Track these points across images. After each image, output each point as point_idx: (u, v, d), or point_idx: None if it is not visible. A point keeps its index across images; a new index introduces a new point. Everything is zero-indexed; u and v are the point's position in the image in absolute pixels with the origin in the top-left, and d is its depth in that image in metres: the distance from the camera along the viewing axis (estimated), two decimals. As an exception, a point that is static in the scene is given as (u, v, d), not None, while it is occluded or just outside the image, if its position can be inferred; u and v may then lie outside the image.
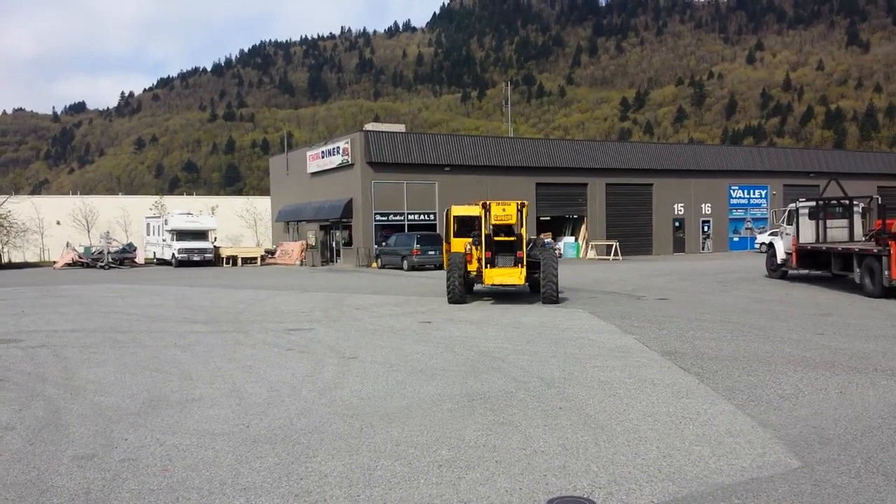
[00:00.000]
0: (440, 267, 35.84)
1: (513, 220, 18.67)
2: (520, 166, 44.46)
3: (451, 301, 17.96)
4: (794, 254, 23.10)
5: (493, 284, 18.45)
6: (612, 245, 43.14)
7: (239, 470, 5.28)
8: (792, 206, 24.53)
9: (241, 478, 5.12)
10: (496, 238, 18.64)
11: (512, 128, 64.75)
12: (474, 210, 20.30)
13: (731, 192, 51.02)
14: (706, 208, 50.26)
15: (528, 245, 19.00)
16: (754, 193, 51.85)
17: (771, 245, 26.21)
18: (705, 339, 11.37)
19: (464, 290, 18.34)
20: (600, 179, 46.77)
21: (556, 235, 47.42)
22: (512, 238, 18.68)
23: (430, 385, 8.12)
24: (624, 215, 47.38)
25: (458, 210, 21.53)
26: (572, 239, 47.24)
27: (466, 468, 5.24)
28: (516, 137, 55.41)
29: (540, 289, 18.14)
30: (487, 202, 19.03)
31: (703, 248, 49.99)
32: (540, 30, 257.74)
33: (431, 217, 42.42)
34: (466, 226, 20.71)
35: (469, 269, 18.87)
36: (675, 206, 49.21)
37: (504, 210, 18.48)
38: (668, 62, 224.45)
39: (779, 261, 24.69)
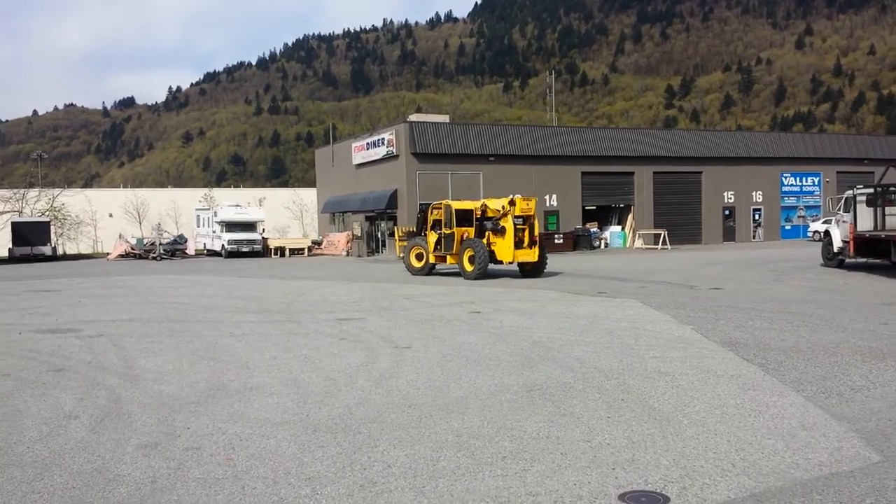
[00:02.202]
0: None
1: (532, 212, 23.73)
2: (565, 155, 44.04)
3: (479, 275, 22.63)
4: (851, 242, 22.42)
5: (517, 262, 23.45)
6: (660, 234, 42.51)
7: (302, 459, 5.26)
8: (849, 193, 23.82)
9: (304, 467, 5.09)
10: (519, 226, 23.40)
11: (555, 117, 64.14)
12: (470, 204, 25.30)
13: (783, 179, 49.84)
14: (757, 196, 49.19)
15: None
16: (807, 181, 50.56)
17: (827, 233, 25.50)
18: (765, 329, 11.06)
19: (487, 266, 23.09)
20: (647, 168, 46.07)
21: (602, 225, 46.88)
22: (525, 226, 23.44)
23: (485, 375, 8.03)
24: (672, 204, 46.62)
25: (458, 204, 25.28)
26: (619, 228, 46.65)
27: (531, 460, 5.13)
28: (561, 126, 54.89)
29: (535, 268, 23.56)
30: (514, 198, 23.68)
31: (753, 237, 48.97)
32: (583, 18, 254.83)
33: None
34: (465, 218, 24.63)
35: (492, 250, 23.51)
36: (725, 194, 48.26)
37: (527, 204, 23.63)
38: (714, 48, 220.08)
39: (835, 249, 24.01)
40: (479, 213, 24.63)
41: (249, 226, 44.18)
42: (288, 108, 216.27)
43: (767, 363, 8.42)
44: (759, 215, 49.33)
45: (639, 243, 44.28)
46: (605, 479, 4.76)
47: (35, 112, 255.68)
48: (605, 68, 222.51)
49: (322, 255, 45.31)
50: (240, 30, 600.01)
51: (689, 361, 8.57)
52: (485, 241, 23.62)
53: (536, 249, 23.42)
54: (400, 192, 41.00)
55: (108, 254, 49.03)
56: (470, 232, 24.19)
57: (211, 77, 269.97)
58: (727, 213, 48.39)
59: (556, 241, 41.03)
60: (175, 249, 43.62)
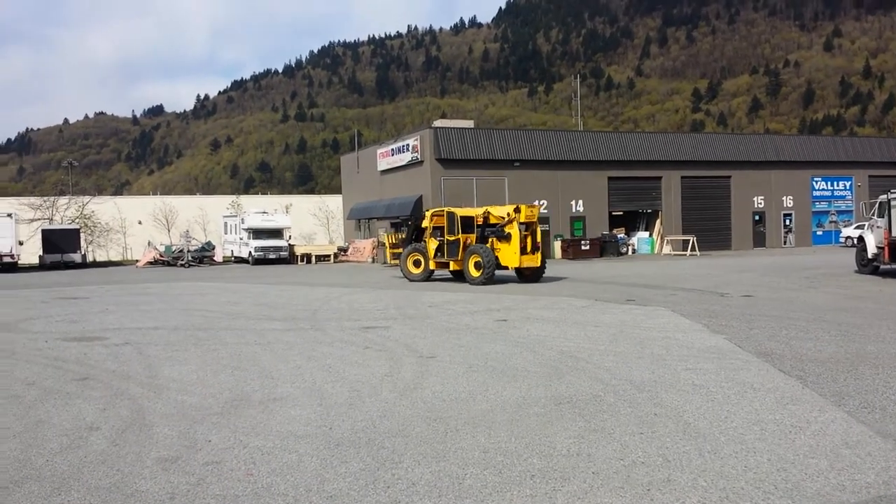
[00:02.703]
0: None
1: (535, 219, 24.64)
2: (591, 160, 43.67)
3: (486, 281, 23.24)
4: (886, 248, 21.88)
5: (522, 266, 24.07)
6: (689, 240, 41.96)
7: (324, 475, 5.11)
8: (883, 197, 23.25)
9: (326, 484, 4.94)
10: (523, 233, 24.02)
11: (581, 122, 63.72)
12: (472, 211, 25.87)
13: (814, 183, 49.04)
14: (787, 201, 48.43)
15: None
16: (838, 185, 49.69)
17: (861, 239, 24.92)
18: (801, 339, 10.74)
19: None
20: (675, 172, 45.54)
21: (630, 230, 46.42)
22: (528, 233, 24.12)
23: (512, 387, 7.84)
24: (700, 209, 46.05)
25: (461, 211, 25.85)
26: (646, 234, 46.17)
27: (562, 479, 4.94)
28: (587, 131, 54.52)
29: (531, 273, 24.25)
30: (520, 205, 24.46)
31: (784, 243, 48.20)
32: (608, 21, 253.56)
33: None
34: (467, 225, 25.08)
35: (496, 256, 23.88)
36: (755, 198, 47.58)
37: (532, 211, 24.56)
38: (741, 51, 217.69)
39: (869, 255, 23.45)
40: (480, 219, 25.06)
41: (276, 233, 44.35)
42: (314, 115, 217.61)
43: (805, 375, 8.14)
44: (790, 220, 48.57)
45: (667, 249, 43.77)
46: (640, 501, 4.55)
47: (66, 120, 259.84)
48: (631, 72, 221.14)
49: (348, 261, 45.34)
50: (266, 38, 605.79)
51: (723, 373, 8.31)
52: (488, 246, 24.30)
53: (539, 255, 24.37)
54: (425, 198, 40.90)
55: (137, 261, 49.47)
56: (472, 238, 24.71)
57: (238, 85, 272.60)
58: (757, 218, 47.69)
59: (583, 247, 40.68)
60: (203, 256, 43.91)
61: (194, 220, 58.01)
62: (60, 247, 44.38)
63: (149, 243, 49.76)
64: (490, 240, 24.43)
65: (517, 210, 24.07)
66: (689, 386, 7.69)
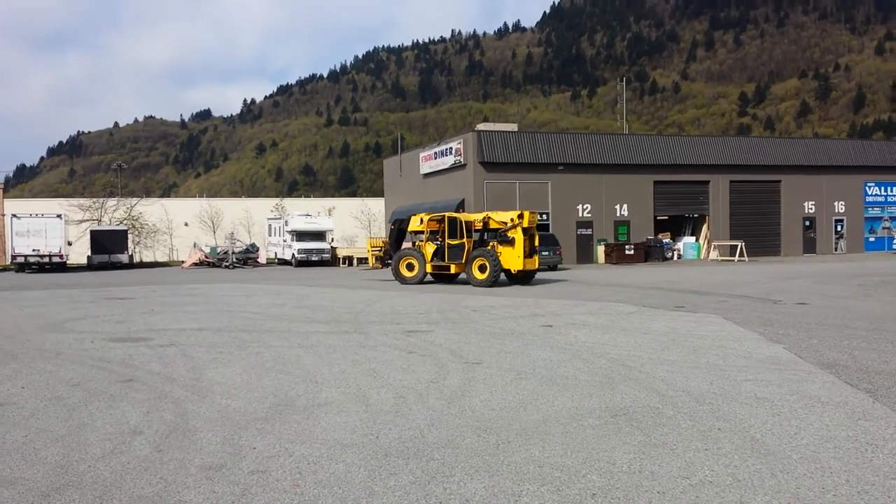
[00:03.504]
0: (554, 268, 35.09)
1: (535, 225, 25.68)
2: (636, 164, 43.02)
3: (492, 283, 24.15)
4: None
5: (524, 269, 24.96)
6: (737, 245, 41.03)
7: (373, 488, 4.89)
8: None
9: (375, 498, 4.72)
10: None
11: (626, 125, 62.91)
12: (472, 216, 26.78)
13: (867, 189, 47.65)
14: (839, 206, 47.11)
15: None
16: (892, 191, 48.21)
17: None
18: (864, 349, 10.24)
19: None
20: (723, 176, 44.63)
21: (675, 235, 45.59)
22: (527, 237, 25.02)
23: (564, 397, 7.54)
24: (749, 214, 45.05)
25: (463, 216, 26.64)
26: (693, 239, 45.30)
27: (625, 499, 4.64)
28: (633, 134, 53.77)
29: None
30: (523, 212, 25.58)
31: (835, 249, 46.89)
32: (653, 25, 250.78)
33: (544, 217, 41.60)
34: (467, 230, 25.92)
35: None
36: (805, 204, 46.39)
37: (533, 217, 25.67)
38: (790, 54, 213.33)
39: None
40: (479, 224, 26.11)
41: (319, 235, 44.55)
42: (357, 119, 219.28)
43: (875, 389, 7.69)
44: (842, 226, 47.23)
45: (714, 255, 42.88)
46: (710, 524, 4.24)
47: (116, 124, 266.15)
48: (676, 76, 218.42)
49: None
50: (312, 44, 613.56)
51: (787, 385, 7.90)
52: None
53: (536, 258, 25.94)
54: (467, 202, 40.68)
55: (182, 262, 50.17)
56: (470, 243, 25.80)
57: (284, 90, 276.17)
58: (807, 223, 46.49)
59: (627, 251, 40.04)
60: (247, 258, 44.31)
61: (239, 223, 58.67)
62: (108, 247, 45.21)
63: (194, 245, 50.44)
64: (491, 244, 25.54)
65: (520, 216, 25.23)
66: (751, 398, 7.30)
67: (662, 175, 43.44)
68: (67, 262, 42.10)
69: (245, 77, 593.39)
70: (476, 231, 26.11)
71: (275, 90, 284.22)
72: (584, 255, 41.75)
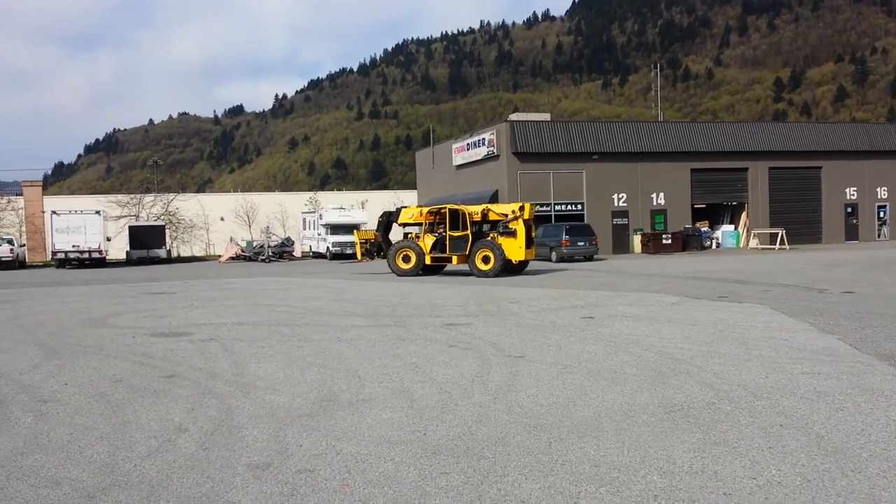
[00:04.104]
0: (590, 258, 34.72)
1: (532, 217, 26.39)
2: (673, 151, 42.39)
3: (497, 273, 24.80)
4: None
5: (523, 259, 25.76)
6: (777, 233, 40.20)
7: (424, 489, 4.73)
8: None
9: (428, 499, 4.56)
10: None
11: (661, 113, 62.02)
12: (472, 208, 27.02)
13: (912, 173, 46.39)
14: (882, 192, 45.97)
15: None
16: (938, 175, 46.87)
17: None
18: (924, 340, 9.85)
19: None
20: (762, 163, 43.79)
21: (714, 224, 44.87)
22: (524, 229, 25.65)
23: (614, 391, 7.32)
24: (789, 201, 44.17)
25: (466, 208, 26.96)
26: (731, 227, 44.54)
27: (689, 501, 4.42)
28: (668, 121, 52.95)
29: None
30: (524, 204, 26.54)
31: (878, 236, 45.79)
32: (685, 11, 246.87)
33: (579, 207, 41.23)
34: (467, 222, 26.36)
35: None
36: (847, 190, 45.35)
37: (532, 210, 26.55)
38: (825, 38, 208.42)
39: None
40: (478, 216, 26.59)
41: (353, 228, 44.57)
42: (388, 112, 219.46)
43: (941, 382, 7.35)
44: (885, 213, 46.11)
45: (753, 243, 42.11)
46: (784, 528, 4.01)
47: (151, 121, 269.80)
48: (709, 62, 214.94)
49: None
50: (343, 38, 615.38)
51: (846, 378, 7.59)
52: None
53: (533, 249, 26.83)
54: (501, 193, 40.42)
55: (219, 256, 50.64)
56: (472, 235, 26.32)
57: (315, 84, 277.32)
58: (849, 210, 45.45)
59: (664, 241, 39.48)
60: (282, 252, 44.56)
61: (274, 217, 58.98)
62: (146, 243, 45.78)
63: (231, 239, 50.88)
64: (491, 235, 26.17)
65: (521, 209, 25.99)
66: (811, 393, 7.02)
67: (699, 163, 42.73)
68: (107, 257, 42.69)
69: (276, 72, 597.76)
70: (474, 223, 26.51)
71: (305, 85, 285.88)
72: (620, 244, 41.27)
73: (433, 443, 5.69)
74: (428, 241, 26.93)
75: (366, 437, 5.92)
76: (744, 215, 44.21)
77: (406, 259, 26.77)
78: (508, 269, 25.68)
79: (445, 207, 27.38)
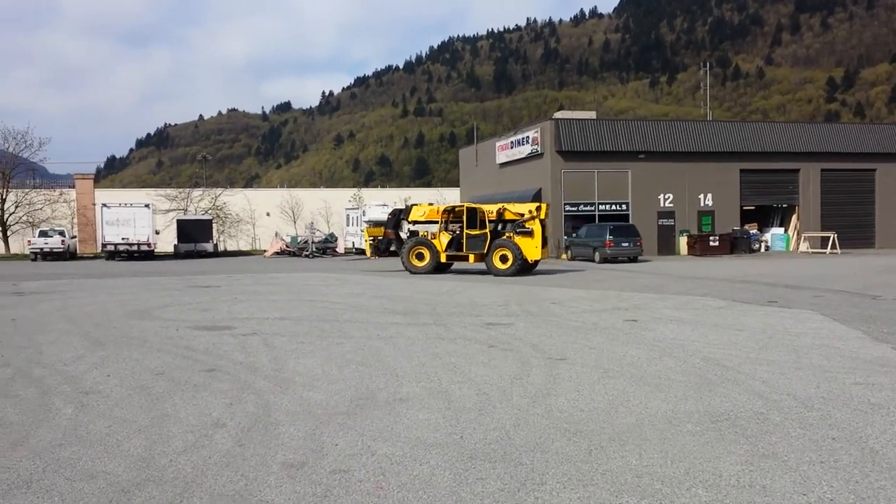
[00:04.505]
0: (634, 259, 34.21)
1: (547, 217, 27.18)
2: (721, 152, 41.57)
3: (516, 272, 25.14)
4: None
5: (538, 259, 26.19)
6: (829, 237, 39.14)
7: (459, 494, 4.63)
8: None
9: (462, 505, 4.46)
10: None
11: (710, 112, 60.90)
12: (489, 207, 27.19)
13: (973, 177, 44.75)
14: (940, 196, 44.43)
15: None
16: None
17: None
18: None
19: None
20: (814, 165, 42.68)
21: (763, 226, 43.90)
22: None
23: (657, 398, 7.12)
24: (841, 204, 42.97)
25: (482, 207, 27.37)
26: (781, 230, 43.53)
27: (736, 516, 4.24)
28: (717, 121, 51.94)
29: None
30: (541, 204, 27.08)
31: (936, 241, 44.25)
32: (736, 9, 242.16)
33: (624, 207, 40.69)
34: (484, 220, 26.78)
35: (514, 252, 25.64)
36: (904, 193, 43.93)
37: (547, 210, 27.47)
38: (881, 37, 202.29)
39: None
40: (494, 215, 26.70)
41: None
42: (432, 109, 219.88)
43: None
44: (943, 217, 44.51)
45: (803, 247, 41.09)
46: (837, 550, 3.81)
47: (201, 117, 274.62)
48: (760, 61, 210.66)
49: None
50: (389, 36, 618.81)
51: (903, 390, 7.27)
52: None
53: (547, 249, 27.59)
54: (544, 191, 40.11)
55: (264, 251, 51.24)
56: (489, 233, 26.66)
57: (361, 81, 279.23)
58: (905, 214, 44.02)
59: (711, 243, 38.74)
60: (326, 248, 44.88)
61: (318, 213, 59.51)
62: (194, 236, 46.55)
63: (276, 234, 51.46)
64: (507, 234, 26.43)
65: (538, 209, 26.44)
66: (864, 405, 6.73)
67: (749, 163, 41.84)
68: (155, 250, 43.49)
69: (323, 69, 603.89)
70: (490, 222, 26.69)
71: (352, 82, 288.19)
72: (666, 246, 40.62)
73: (470, 446, 5.59)
74: (443, 239, 27.14)
75: (401, 438, 5.84)
76: (794, 218, 43.15)
77: (420, 257, 27.01)
78: (523, 268, 26.00)
79: (463, 206, 27.80)
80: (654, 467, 5.08)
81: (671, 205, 40.98)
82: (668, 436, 5.82)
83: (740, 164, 41.64)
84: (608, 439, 5.74)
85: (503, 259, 25.65)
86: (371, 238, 30.51)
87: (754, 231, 41.99)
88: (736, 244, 39.52)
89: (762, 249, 41.83)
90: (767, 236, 42.80)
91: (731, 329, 11.81)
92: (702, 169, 41.01)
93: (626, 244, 33.79)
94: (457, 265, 27.95)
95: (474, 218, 26.81)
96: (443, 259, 27.05)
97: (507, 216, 26.82)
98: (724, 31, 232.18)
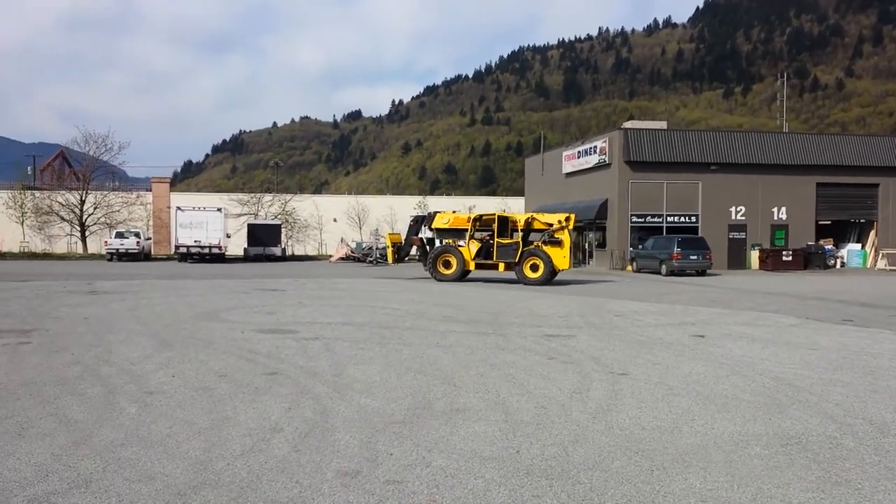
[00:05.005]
0: (702, 273, 33.37)
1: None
2: (797, 164, 40.25)
3: (546, 282, 25.78)
4: None
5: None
6: (910, 255, 37.44)
7: (513, 510, 4.52)
8: None
9: (516, 522, 4.35)
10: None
11: (786, 124, 59.11)
12: (518, 216, 28.27)
13: None
14: None
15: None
16: None
17: None
18: None
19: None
20: (894, 179, 40.91)
21: (839, 242, 42.30)
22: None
23: (724, 418, 6.86)
24: (925, 221, 41.01)
25: (512, 216, 28.27)
26: (857, 246, 41.86)
27: (806, 548, 4.02)
28: (793, 133, 50.36)
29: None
30: (570, 215, 27.62)
31: None
32: (816, 19, 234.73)
33: (693, 219, 39.81)
34: (514, 229, 27.48)
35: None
36: None
37: (574, 221, 27.69)
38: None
39: None
40: (522, 224, 27.32)
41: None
42: (500, 118, 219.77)
43: None
44: None
45: (881, 264, 39.42)
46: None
47: (274, 124, 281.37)
48: (840, 72, 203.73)
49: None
50: (459, 45, 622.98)
51: None
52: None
53: (570, 259, 27.71)
54: (610, 202, 39.55)
55: (330, 256, 51.98)
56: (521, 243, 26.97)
57: (430, 90, 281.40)
58: None
59: (784, 258, 37.55)
60: (389, 254, 45.10)
61: (383, 219, 60.05)
62: (263, 240, 47.58)
63: (342, 240, 52.14)
64: (535, 244, 26.93)
65: (567, 219, 27.09)
66: (949, 434, 6.34)
67: (826, 177, 40.40)
68: (226, 253, 44.57)
69: (394, 78, 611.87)
70: (521, 231, 27.24)
71: (421, 91, 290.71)
72: (736, 260, 39.53)
73: (526, 462, 5.47)
74: (472, 248, 27.58)
75: (457, 450, 5.76)
76: (872, 234, 41.44)
77: (447, 264, 27.43)
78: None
79: (493, 214, 28.16)
80: (719, 491, 4.86)
81: (743, 218, 39.87)
82: (735, 458, 5.58)
83: (817, 178, 40.24)
84: (671, 460, 5.54)
85: (534, 268, 26.24)
86: (392, 245, 30.59)
87: (830, 246, 40.50)
88: (810, 260, 38.19)
89: (837, 266, 40.29)
90: (843, 252, 41.22)
91: (804, 348, 11.35)
92: (776, 182, 39.79)
93: (695, 257, 33.01)
94: (477, 273, 28.50)
95: (505, 227, 27.26)
96: (471, 267, 27.62)
97: (536, 226, 27.37)
98: (803, 42, 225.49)
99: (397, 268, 39.03)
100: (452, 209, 49.46)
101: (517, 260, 26.50)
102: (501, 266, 27.07)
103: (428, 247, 29.41)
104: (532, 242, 27.04)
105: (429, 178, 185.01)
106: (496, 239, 27.05)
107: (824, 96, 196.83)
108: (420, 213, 31.57)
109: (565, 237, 26.70)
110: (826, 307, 18.40)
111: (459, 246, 27.97)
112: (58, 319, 13.84)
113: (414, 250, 30.23)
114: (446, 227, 28.71)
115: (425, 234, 30.28)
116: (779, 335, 12.95)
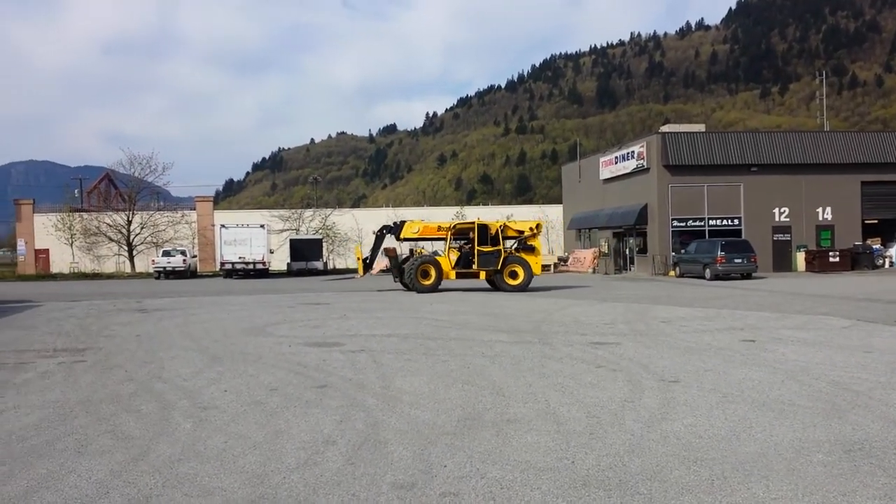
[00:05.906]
0: (747, 276, 32.81)
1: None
2: (841, 163, 39.42)
3: (524, 288, 26.52)
4: None
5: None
6: (963, 254, 36.36)
7: (573, 522, 4.47)
8: None
9: (577, 533, 4.30)
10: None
11: (827, 122, 57.97)
12: (493, 224, 28.13)
13: None
14: None
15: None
16: None
17: None
18: None
19: None
20: (946, 176, 39.84)
21: (887, 241, 41.27)
22: None
23: (782, 425, 6.71)
24: (977, 218, 39.84)
25: (493, 224, 28.21)
26: (908, 245, 40.77)
27: (879, 558, 3.91)
28: (836, 131, 49.35)
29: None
30: (539, 222, 29.21)
31: None
32: (851, 16, 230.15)
33: (735, 222, 39.21)
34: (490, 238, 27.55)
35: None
36: None
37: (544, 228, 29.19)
38: None
39: None
40: (493, 232, 27.38)
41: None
42: (534, 127, 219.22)
43: None
44: None
45: (933, 264, 38.32)
46: None
47: (312, 140, 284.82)
48: (879, 68, 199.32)
49: (567, 271, 44.56)
50: (491, 56, 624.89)
51: None
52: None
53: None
54: (650, 207, 39.13)
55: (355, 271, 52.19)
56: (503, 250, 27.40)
57: (464, 102, 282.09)
58: None
59: (831, 259, 36.76)
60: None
61: (421, 231, 60.03)
62: (305, 255, 48.09)
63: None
64: (510, 251, 27.51)
65: (538, 226, 28.26)
66: None
67: (871, 175, 39.50)
68: (269, 268, 45.08)
69: (428, 91, 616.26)
70: (501, 239, 27.43)
71: (455, 102, 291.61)
72: (781, 262, 38.80)
73: (582, 472, 5.41)
74: (452, 257, 27.64)
75: (511, 461, 5.72)
76: (923, 232, 40.34)
77: (425, 274, 27.20)
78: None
79: (473, 223, 28.17)
80: (782, 500, 4.75)
81: (787, 219, 39.16)
82: (797, 466, 5.45)
83: (861, 176, 39.36)
84: (731, 469, 5.43)
85: (513, 275, 26.88)
86: (366, 257, 30.40)
87: (878, 246, 39.52)
88: (857, 260, 37.32)
89: (886, 265, 39.29)
90: (892, 251, 40.18)
91: (859, 351, 11.08)
92: (820, 181, 39.01)
93: (739, 260, 32.49)
94: (448, 282, 28.40)
95: (486, 234, 27.28)
96: (452, 276, 27.66)
97: (508, 234, 27.73)
98: (840, 39, 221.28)
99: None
100: (494, 218, 49.49)
101: (499, 267, 26.83)
102: (482, 274, 27.44)
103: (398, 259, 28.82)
104: (507, 250, 27.43)
105: (465, 188, 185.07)
106: (477, 247, 27.19)
107: (863, 93, 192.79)
108: (386, 223, 31.30)
109: (537, 243, 27.93)
110: (877, 308, 17.95)
111: (436, 255, 28.12)
112: (110, 338, 14.11)
113: (385, 263, 29.69)
114: (416, 236, 28.93)
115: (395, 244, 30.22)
116: (831, 338, 12.66)
